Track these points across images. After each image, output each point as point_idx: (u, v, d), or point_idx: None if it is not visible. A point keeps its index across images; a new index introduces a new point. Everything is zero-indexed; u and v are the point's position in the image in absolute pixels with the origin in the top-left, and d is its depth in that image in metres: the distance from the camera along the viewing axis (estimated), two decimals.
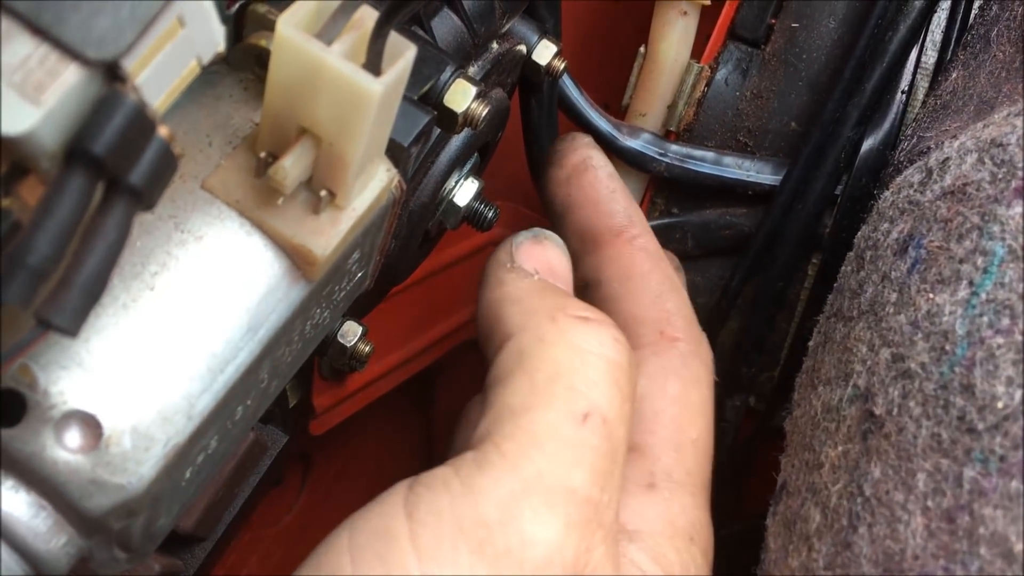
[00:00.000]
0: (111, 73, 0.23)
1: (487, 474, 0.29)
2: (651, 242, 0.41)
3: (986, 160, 0.31)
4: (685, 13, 0.48)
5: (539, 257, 0.37)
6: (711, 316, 0.49)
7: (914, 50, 0.44)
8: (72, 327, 0.23)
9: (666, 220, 0.49)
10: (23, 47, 0.22)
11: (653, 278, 0.40)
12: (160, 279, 0.29)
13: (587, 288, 0.41)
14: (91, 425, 0.27)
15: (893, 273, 0.32)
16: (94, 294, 0.23)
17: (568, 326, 0.33)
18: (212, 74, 0.32)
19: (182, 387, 0.29)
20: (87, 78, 0.22)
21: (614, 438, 0.31)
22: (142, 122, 0.23)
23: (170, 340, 0.29)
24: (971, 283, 0.29)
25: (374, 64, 0.27)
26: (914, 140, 0.37)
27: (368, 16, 0.27)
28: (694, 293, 0.50)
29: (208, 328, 0.29)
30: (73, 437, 0.27)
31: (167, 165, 0.24)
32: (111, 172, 0.22)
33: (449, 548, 0.27)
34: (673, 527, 0.34)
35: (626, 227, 0.41)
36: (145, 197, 0.24)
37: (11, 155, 0.23)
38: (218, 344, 0.29)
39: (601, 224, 0.41)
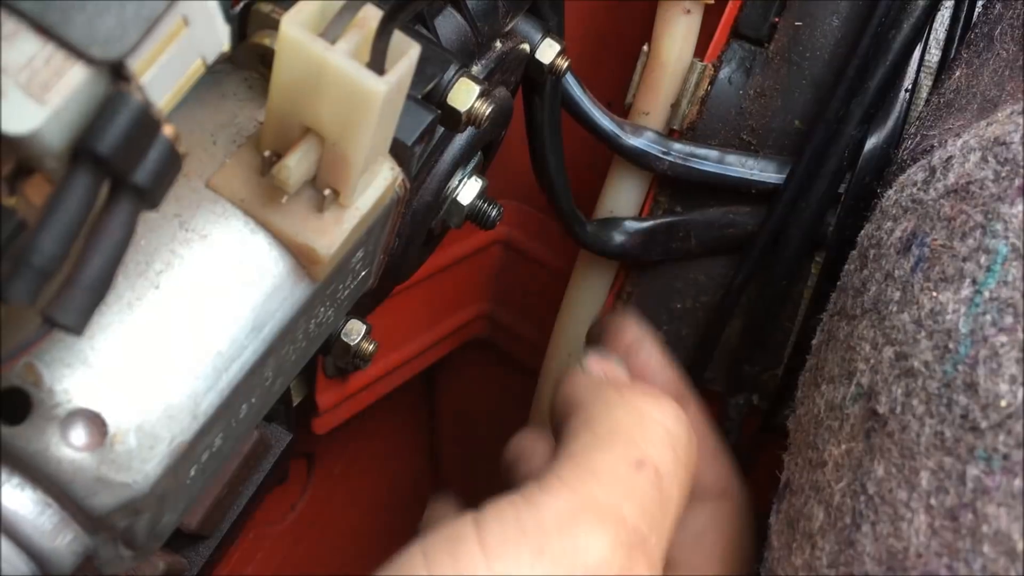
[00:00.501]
0: (116, 73, 0.23)
1: (547, 492, 0.32)
2: (702, 410, 0.44)
3: (989, 158, 0.31)
4: (688, 12, 0.48)
5: (607, 367, 0.40)
6: (714, 315, 0.49)
7: (917, 48, 0.44)
8: (77, 325, 0.23)
9: (669, 219, 0.49)
10: (29, 47, 0.22)
11: (710, 439, 0.43)
12: (165, 277, 0.29)
13: None
14: (96, 423, 0.27)
15: (896, 271, 0.32)
16: (99, 292, 0.23)
17: (632, 396, 0.36)
18: (216, 73, 0.32)
19: (187, 385, 0.29)
20: (92, 77, 0.22)
21: (665, 491, 0.33)
22: (147, 121, 0.23)
23: (175, 338, 0.29)
24: (974, 281, 0.29)
25: (378, 63, 0.27)
26: (917, 138, 0.37)
27: (372, 15, 0.28)
28: (697, 291, 0.50)
29: (213, 326, 0.29)
30: (78, 435, 0.27)
31: (172, 164, 0.24)
32: (116, 171, 0.23)
33: (513, 548, 0.30)
34: None
35: (680, 396, 0.43)
36: (150, 196, 0.24)
37: (17, 154, 0.23)
38: (223, 343, 0.29)
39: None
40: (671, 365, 0.44)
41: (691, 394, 0.44)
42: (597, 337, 0.46)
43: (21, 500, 0.28)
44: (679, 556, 0.39)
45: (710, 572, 0.39)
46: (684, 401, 0.43)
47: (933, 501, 0.28)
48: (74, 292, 0.23)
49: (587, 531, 0.31)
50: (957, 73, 0.39)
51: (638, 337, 0.45)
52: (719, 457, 0.42)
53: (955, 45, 0.44)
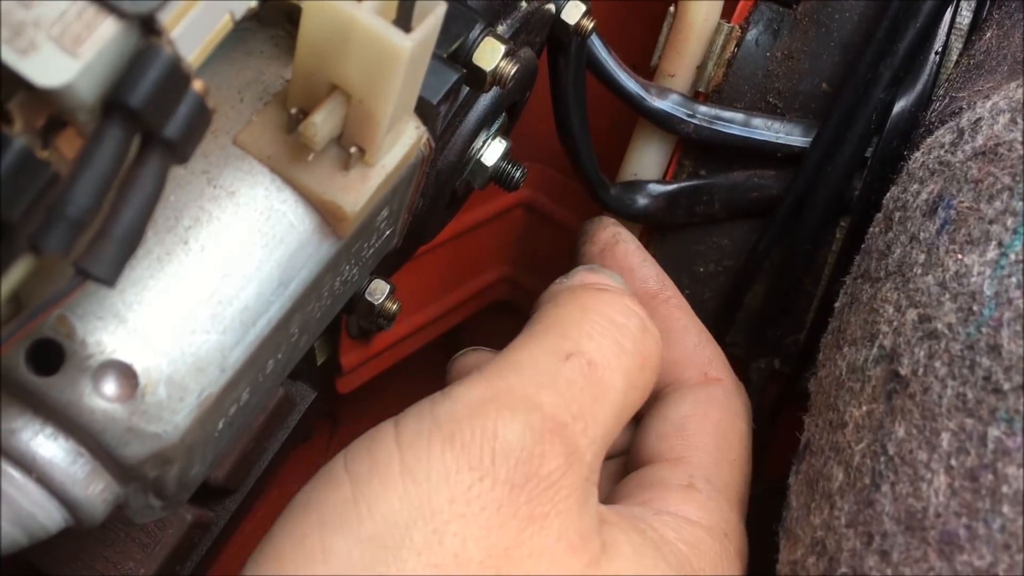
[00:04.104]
0: (147, 27, 0.23)
1: (464, 385, 0.32)
2: (684, 303, 0.44)
3: (1019, 120, 0.31)
4: None
5: (594, 280, 0.39)
6: (738, 279, 0.49)
7: (948, 10, 0.43)
8: (110, 277, 0.23)
9: (694, 182, 0.49)
10: (61, 1, 0.22)
11: (691, 331, 0.43)
12: (193, 233, 0.29)
13: None
14: (127, 375, 0.28)
15: (922, 234, 0.32)
16: (131, 245, 0.23)
17: (583, 292, 0.36)
18: (243, 31, 0.32)
19: (215, 339, 0.29)
20: (124, 31, 0.23)
21: (600, 380, 0.33)
22: (177, 75, 0.23)
23: (203, 293, 0.29)
24: (1000, 244, 0.29)
25: (404, 21, 0.27)
26: (946, 100, 0.37)
27: None
28: (721, 256, 0.50)
29: (240, 282, 0.30)
30: (110, 386, 0.28)
31: (201, 118, 0.24)
32: (147, 125, 0.23)
33: (425, 439, 0.31)
34: (709, 520, 0.36)
35: (660, 290, 0.44)
36: (180, 150, 0.24)
37: (50, 108, 0.23)
38: (250, 298, 0.30)
39: (637, 290, 0.43)
40: (649, 259, 0.45)
41: (670, 287, 0.44)
42: (579, 239, 0.46)
43: (54, 449, 0.29)
44: (661, 446, 0.39)
45: (697, 457, 0.39)
46: (664, 296, 0.43)
47: (953, 462, 0.28)
48: (106, 244, 0.23)
49: (497, 417, 0.31)
50: (988, 34, 0.38)
51: (613, 234, 0.45)
52: (702, 347, 0.42)
53: (986, 6, 0.43)
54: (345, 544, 0.29)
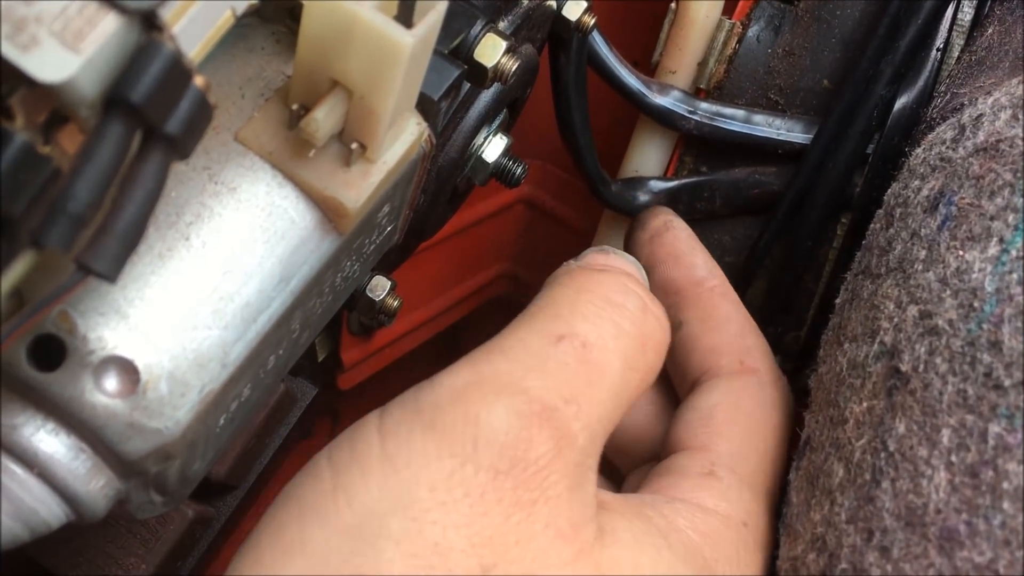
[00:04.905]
0: (148, 22, 0.23)
1: (449, 371, 0.32)
2: (731, 292, 0.43)
3: (1020, 116, 0.31)
4: None
5: (603, 261, 0.38)
6: (738, 276, 0.49)
7: (950, 6, 0.43)
8: (111, 272, 0.23)
9: (695, 179, 0.49)
10: None
11: (734, 319, 0.42)
12: (195, 229, 0.29)
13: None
14: (129, 371, 0.28)
15: (923, 230, 0.32)
16: (132, 241, 0.23)
17: (580, 274, 0.35)
18: (244, 27, 0.32)
19: (216, 335, 0.29)
20: (125, 26, 0.23)
21: (595, 362, 0.32)
22: (179, 71, 0.23)
23: (205, 289, 0.29)
24: (1001, 240, 0.29)
25: (405, 17, 0.27)
26: (948, 96, 0.37)
27: None
28: (722, 252, 0.50)
29: (242, 278, 0.30)
30: (111, 382, 0.28)
31: (203, 114, 0.24)
32: (148, 120, 0.23)
33: (406, 427, 0.30)
34: (727, 508, 0.35)
35: (706, 278, 0.43)
36: (181, 146, 0.24)
37: (51, 103, 0.23)
38: (252, 294, 0.30)
39: (683, 276, 0.43)
40: (699, 248, 0.44)
41: (719, 275, 0.43)
42: (633, 225, 0.46)
43: (55, 445, 0.29)
44: (687, 434, 0.38)
45: (721, 445, 0.38)
46: (710, 284, 0.42)
47: (954, 458, 0.28)
48: (107, 240, 0.23)
49: (480, 402, 0.30)
50: (990, 30, 0.38)
51: (665, 221, 0.45)
52: (742, 336, 0.41)
53: (988, 2, 0.43)
54: (323, 535, 0.29)
